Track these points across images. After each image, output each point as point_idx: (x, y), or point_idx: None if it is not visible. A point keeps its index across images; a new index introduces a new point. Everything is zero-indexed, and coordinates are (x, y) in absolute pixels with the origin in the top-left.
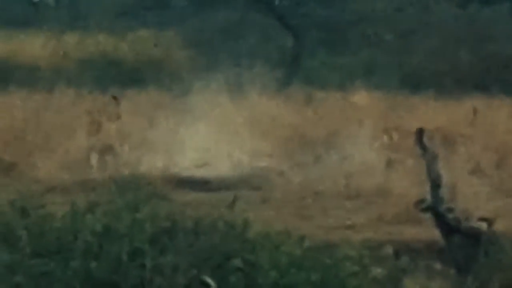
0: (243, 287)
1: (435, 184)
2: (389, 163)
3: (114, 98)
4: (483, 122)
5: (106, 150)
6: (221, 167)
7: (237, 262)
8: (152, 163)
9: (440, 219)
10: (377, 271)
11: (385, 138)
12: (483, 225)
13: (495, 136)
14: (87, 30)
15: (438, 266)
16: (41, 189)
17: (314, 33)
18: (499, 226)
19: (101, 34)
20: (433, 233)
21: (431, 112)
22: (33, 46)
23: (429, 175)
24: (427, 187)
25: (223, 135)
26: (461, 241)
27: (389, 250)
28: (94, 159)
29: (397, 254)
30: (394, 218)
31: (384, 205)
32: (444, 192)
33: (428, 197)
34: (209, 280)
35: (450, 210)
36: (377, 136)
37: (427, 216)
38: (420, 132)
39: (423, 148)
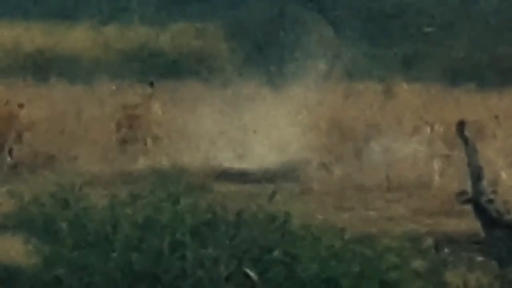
0: (284, 279)
1: (476, 176)
2: (430, 156)
3: (151, 84)
4: None
5: (146, 142)
6: (261, 159)
7: (277, 254)
8: (193, 155)
9: (481, 211)
10: (418, 263)
11: (426, 130)
12: None
13: None
14: (127, 21)
15: (478, 258)
16: (82, 181)
17: (354, 25)
18: None
19: (142, 26)
20: (474, 225)
21: (472, 104)
22: (73, 37)
23: (470, 167)
24: (468, 179)
25: (264, 127)
26: (502, 233)
27: (429, 242)
28: (134, 151)
29: (437, 246)
30: (434, 210)
31: (425, 197)
32: (484, 184)
33: (469, 189)
34: (250, 272)
35: (491, 202)
36: (417, 128)
37: (468, 208)
38: (461, 124)
39: (464, 140)
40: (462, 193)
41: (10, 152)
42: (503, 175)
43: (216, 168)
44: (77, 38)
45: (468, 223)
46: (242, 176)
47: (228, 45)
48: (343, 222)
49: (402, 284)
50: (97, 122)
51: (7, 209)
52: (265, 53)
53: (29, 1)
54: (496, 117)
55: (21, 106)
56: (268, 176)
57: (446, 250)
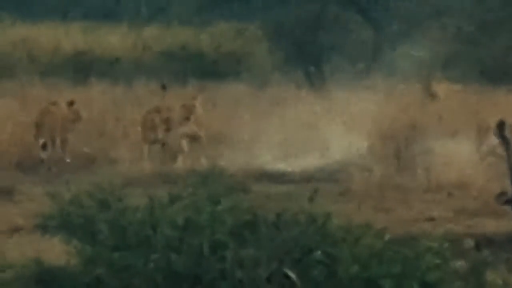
0: (324, 280)
1: None
2: (470, 156)
3: (163, 87)
4: None
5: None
6: (301, 160)
7: (318, 255)
8: (233, 156)
9: None
10: (458, 263)
11: (465, 130)
12: None
13: None
14: (167, 22)
15: None
16: (122, 182)
17: (394, 26)
18: None
19: (181, 27)
20: None
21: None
22: (113, 38)
23: (510, 168)
24: (508, 180)
25: (304, 128)
26: None
27: (470, 242)
28: (173, 151)
29: (478, 247)
30: (475, 211)
31: (465, 198)
32: None
33: (509, 190)
34: (290, 273)
35: None
36: (457, 128)
37: (508, 208)
38: (501, 125)
39: (504, 140)
40: (502, 193)
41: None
42: None
43: (256, 169)
44: (117, 39)
45: (508, 224)
46: (282, 177)
47: (268, 46)
48: (384, 222)
49: (442, 284)
50: (136, 123)
51: (47, 210)
52: (304, 53)
53: (69, 2)
54: None
55: (70, 104)
56: (308, 177)
57: (486, 251)
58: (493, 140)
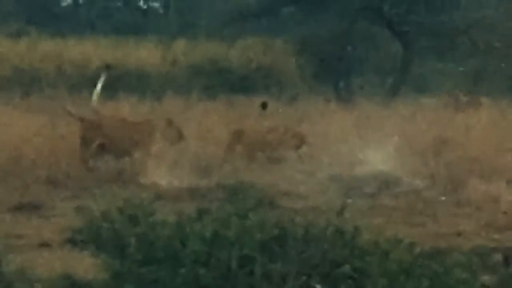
0: None
1: None
2: (499, 170)
3: (263, 106)
4: None
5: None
6: (330, 175)
7: (346, 269)
8: (261, 170)
9: None
10: (487, 278)
11: (495, 144)
12: None
13: None
14: (195, 37)
15: None
16: (150, 196)
17: (423, 40)
18: None
19: (210, 41)
20: None
21: None
22: (142, 53)
23: None
24: None
25: (332, 142)
26: None
27: (499, 257)
28: (203, 165)
29: (506, 261)
30: (504, 225)
31: (494, 211)
32: None
33: None
34: (319, 287)
35: None
36: (486, 142)
37: None
38: None
39: None
40: None
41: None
42: None
43: (285, 184)
44: (145, 53)
45: None
46: (310, 192)
47: (297, 60)
48: (412, 237)
49: None
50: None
51: (76, 225)
52: (333, 68)
53: (98, 17)
54: None
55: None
56: (337, 192)
57: None
58: None
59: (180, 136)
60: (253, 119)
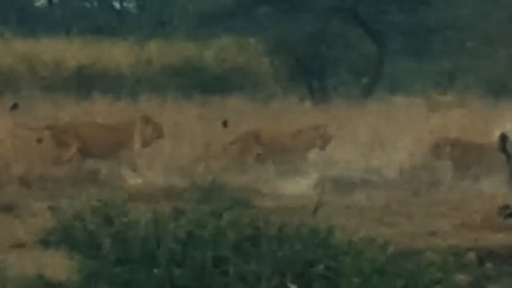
0: None
1: None
2: (472, 169)
3: (224, 124)
4: None
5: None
6: (304, 173)
7: (320, 268)
8: (235, 170)
9: None
10: (461, 277)
11: (469, 144)
12: None
13: None
14: (170, 37)
15: None
16: (125, 196)
17: (396, 40)
18: None
19: (185, 41)
20: None
21: None
22: (117, 53)
23: None
24: (511, 193)
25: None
26: None
27: (472, 256)
28: (178, 165)
29: (481, 261)
30: (478, 225)
31: (468, 211)
32: None
33: None
34: (293, 287)
35: None
36: (460, 142)
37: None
38: (503, 138)
39: (506, 154)
40: (506, 207)
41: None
42: None
43: (259, 183)
44: (120, 53)
45: (511, 237)
46: (284, 191)
47: (271, 60)
48: (386, 236)
49: None
50: None
51: (50, 225)
52: (307, 67)
53: (71, 17)
54: None
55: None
56: (311, 191)
57: (489, 264)
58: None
59: (156, 136)
60: (229, 119)
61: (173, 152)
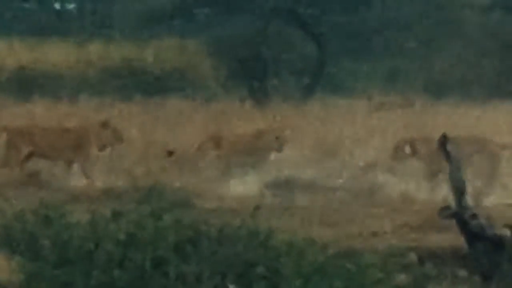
0: None
1: (459, 191)
2: (413, 170)
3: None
4: (507, 129)
5: (128, 157)
6: (244, 175)
7: (260, 269)
8: (175, 172)
9: (464, 226)
10: (401, 278)
11: (409, 145)
12: (507, 232)
13: None
14: (110, 38)
15: (462, 273)
16: (64, 197)
17: (337, 41)
18: None
19: (125, 43)
20: (458, 240)
21: (455, 119)
22: (57, 54)
23: (452, 182)
24: (451, 194)
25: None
26: (485, 248)
27: (413, 257)
28: (118, 168)
29: (421, 261)
30: (418, 225)
31: (409, 212)
32: (468, 199)
33: (452, 204)
34: None
35: (474, 217)
36: (401, 143)
37: (452, 223)
38: (443, 139)
39: (447, 155)
40: (446, 208)
41: None
42: (486, 189)
43: (200, 185)
44: (60, 55)
45: (451, 238)
46: (225, 192)
47: (211, 61)
48: (327, 237)
49: None
50: None
51: None
52: (248, 69)
53: (12, 18)
54: (479, 131)
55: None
56: (252, 192)
57: (429, 265)
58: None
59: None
60: (169, 120)
61: (113, 154)
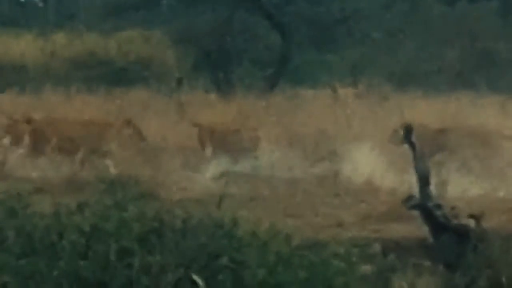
0: (231, 285)
1: (423, 181)
2: (377, 160)
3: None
4: (471, 119)
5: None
6: (210, 166)
7: (224, 260)
8: (141, 163)
9: (429, 216)
10: (365, 268)
11: (373, 135)
12: (471, 222)
13: (481, 133)
14: (75, 29)
15: (426, 263)
16: (29, 188)
17: (302, 32)
18: (487, 222)
19: (89, 34)
20: (422, 231)
21: (419, 110)
22: (21, 46)
23: (417, 172)
24: (415, 184)
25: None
26: (449, 238)
27: (377, 247)
28: (82, 158)
29: (385, 252)
30: (382, 216)
31: (373, 202)
32: (432, 189)
33: (416, 194)
34: (197, 279)
35: (439, 207)
36: (364, 133)
37: (416, 213)
38: (408, 129)
39: (411, 145)
40: (410, 198)
41: None
42: (451, 179)
43: (164, 176)
44: (24, 46)
45: (415, 228)
46: (189, 183)
47: (176, 52)
48: (291, 228)
49: None
50: None
51: None
52: (212, 59)
53: None
54: (443, 121)
55: None
56: (216, 183)
57: (393, 255)
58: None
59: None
60: (134, 111)
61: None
